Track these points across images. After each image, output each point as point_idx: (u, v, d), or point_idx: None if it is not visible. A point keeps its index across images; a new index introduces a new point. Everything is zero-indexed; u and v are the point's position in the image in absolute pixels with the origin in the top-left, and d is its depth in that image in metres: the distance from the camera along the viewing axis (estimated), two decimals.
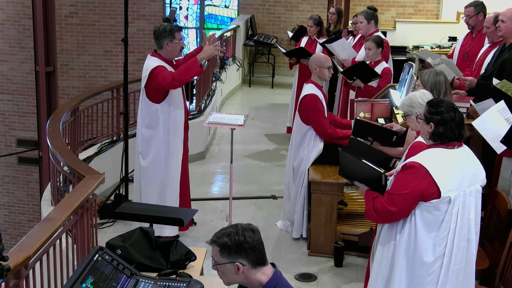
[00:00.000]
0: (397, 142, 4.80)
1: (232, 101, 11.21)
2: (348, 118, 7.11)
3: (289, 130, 8.05)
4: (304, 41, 8.23)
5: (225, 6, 14.03)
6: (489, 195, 4.44)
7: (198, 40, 14.13)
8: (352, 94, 7.14)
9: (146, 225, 4.07)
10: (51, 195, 5.97)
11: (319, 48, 7.78)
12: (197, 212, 4.68)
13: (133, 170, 6.23)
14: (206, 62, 8.60)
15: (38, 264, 3.73)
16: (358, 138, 4.83)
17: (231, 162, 5.89)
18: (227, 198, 6.18)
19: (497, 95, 4.72)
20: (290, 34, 8.99)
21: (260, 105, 10.83)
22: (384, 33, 8.07)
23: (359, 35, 7.62)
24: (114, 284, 3.16)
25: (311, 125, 5.66)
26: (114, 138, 7.19)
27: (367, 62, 6.67)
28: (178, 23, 5.56)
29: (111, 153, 6.90)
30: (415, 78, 5.41)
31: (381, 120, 5.93)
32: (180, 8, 14.09)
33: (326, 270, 5.25)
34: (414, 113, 3.92)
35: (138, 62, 11.04)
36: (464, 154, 3.45)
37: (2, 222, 13.73)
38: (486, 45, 6.03)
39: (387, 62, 6.82)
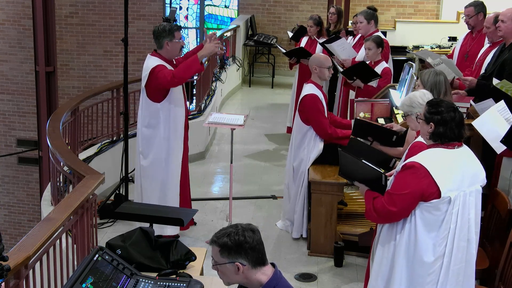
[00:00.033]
0: (397, 142, 4.80)
1: (232, 101, 11.21)
2: (348, 118, 7.11)
3: (289, 130, 8.06)
4: (304, 41, 8.23)
5: (225, 6, 14.03)
6: (489, 195, 4.44)
7: (198, 40, 14.13)
8: (352, 94, 7.14)
9: (146, 225, 4.08)
10: (51, 195, 5.97)
11: (319, 48, 7.78)
12: (197, 212, 4.69)
13: (133, 170, 6.23)
14: (207, 62, 8.60)
15: (38, 264, 3.73)
16: (358, 138, 4.83)
17: (231, 162, 5.89)
18: (227, 198, 6.19)
19: (497, 95, 4.72)
20: (290, 34, 8.99)
21: (260, 105, 10.83)
22: (384, 33, 8.08)
23: (359, 35, 7.62)
24: (114, 284, 3.16)
25: (311, 125, 5.66)
26: (114, 138, 7.19)
27: (367, 62, 6.67)
28: (178, 23, 5.55)
29: (111, 153, 6.90)
30: (415, 78, 5.41)
31: (381, 120, 5.93)
32: (180, 8, 14.09)
33: (326, 270, 5.25)
34: (414, 113, 3.92)
35: (138, 62, 11.03)
36: (464, 154, 3.45)
37: (2, 222, 13.73)
38: (486, 45, 6.03)
39: (387, 62, 6.82)
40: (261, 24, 13.31)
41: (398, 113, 5.89)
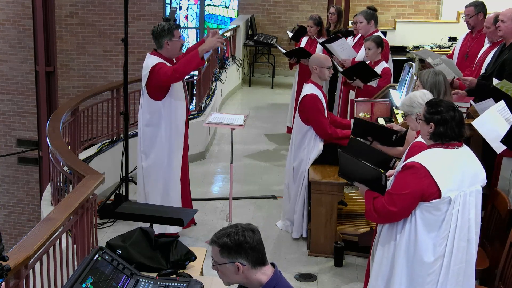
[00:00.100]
0: (397, 142, 4.79)
1: (232, 101, 11.21)
2: (348, 118, 7.11)
3: (289, 130, 8.06)
4: (304, 41, 8.23)
5: (225, 6, 14.03)
6: (489, 195, 4.44)
7: (198, 40, 14.13)
8: (352, 94, 7.14)
9: (146, 225, 4.08)
10: (51, 195, 5.97)
11: (319, 48, 7.78)
12: (197, 212, 4.69)
13: (133, 170, 6.24)
14: (207, 62, 8.60)
15: (38, 264, 3.73)
16: (358, 138, 4.83)
17: (231, 162, 5.89)
18: (227, 198, 6.18)
19: (497, 95, 4.72)
20: (290, 34, 8.99)
21: (260, 105, 10.83)
22: (384, 33, 8.08)
23: (359, 35, 7.62)
24: (114, 284, 3.16)
25: (311, 125, 5.66)
26: (114, 138, 7.19)
27: (367, 62, 6.67)
28: (178, 23, 5.56)
29: (111, 153, 6.90)
30: (415, 78, 5.40)
31: (381, 120, 5.93)
32: (180, 8, 14.10)
33: (326, 270, 5.25)
34: (414, 113, 3.92)
35: (138, 62, 11.02)
36: (465, 154, 3.45)
37: (2, 222, 13.73)
38: (486, 45, 6.03)
39: (387, 62, 6.82)
40: (261, 24, 13.31)
41: (398, 113, 5.89)
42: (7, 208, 13.77)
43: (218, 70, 10.44)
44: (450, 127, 3.37)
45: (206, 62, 8.60)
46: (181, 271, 3.64)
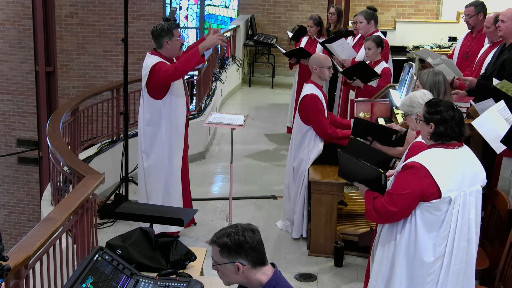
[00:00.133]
0: (397, 142, 4.79)
1: (232, 101, 11.21)
2: (348, 118, 7.11)
3: (289, 130, 8.06)
4: (304, 41, 8.23)
5: (225, 6, 14.03)
6: (489, 195, 4.44)
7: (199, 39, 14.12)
8: (352, 94, 7.14)
9: (146, 225, 4.07)
10: (51, 195, 5.97)
11: (319, 48, 7.78)
12: (197, 212, 4.69)
13: (133, 170, 6.24)
14: (207, 62, 8.60)
15: (38, 264, 3.73)
16: (358, 138, 4.83)
17: (231, 162, 5.89)
18: (227, 198, 6.18)
19: (497, 95, 4.72)
20: (290, 34, 8.99)
21: (260, 105, 10.83)
22: (384, 33, 8.08)
23: (359, 35, 7.62)
24: (114, 284, 3.16)
25: (311, 125, 5.66)
26: (114, 138, 7.18)
27: (367, 62, 6.67)
28: (178, 23, 5.56)
29: (111, 153, 6.90)
30: (415, 78, 5.40)
31: (381, 120, 5.93)
32: (180, 8, 14.10)
33: (326, 270, 5.25)
34: (414, 113, 3.92)
35: (138, 62, 11.01)
36: (465, 154, 3.45)
37: (2, 222, 13.73)
38: (486, 45, 6.03)
39: (386, 62, 6.82)
40: (261, 24, 13.31)
41: (398, 113, 5.89)
42: (7, 208, 13.77)
43: (218, 70, 10.44)
44: (450, 127, 3.37)
45: (206, 62, 8.59)
46: (181, 271, 3.64)
